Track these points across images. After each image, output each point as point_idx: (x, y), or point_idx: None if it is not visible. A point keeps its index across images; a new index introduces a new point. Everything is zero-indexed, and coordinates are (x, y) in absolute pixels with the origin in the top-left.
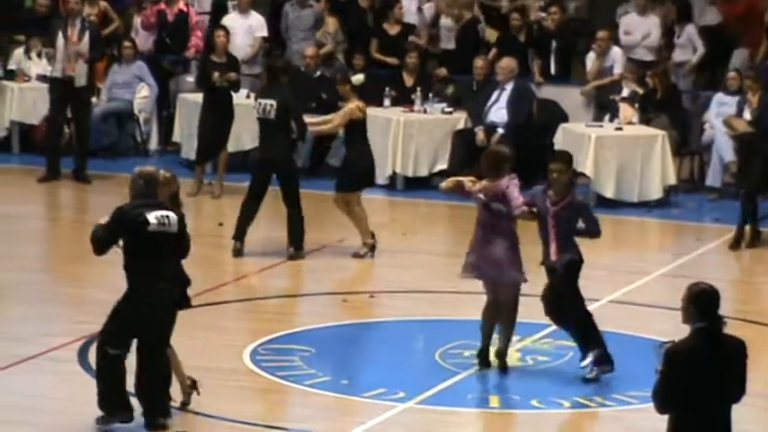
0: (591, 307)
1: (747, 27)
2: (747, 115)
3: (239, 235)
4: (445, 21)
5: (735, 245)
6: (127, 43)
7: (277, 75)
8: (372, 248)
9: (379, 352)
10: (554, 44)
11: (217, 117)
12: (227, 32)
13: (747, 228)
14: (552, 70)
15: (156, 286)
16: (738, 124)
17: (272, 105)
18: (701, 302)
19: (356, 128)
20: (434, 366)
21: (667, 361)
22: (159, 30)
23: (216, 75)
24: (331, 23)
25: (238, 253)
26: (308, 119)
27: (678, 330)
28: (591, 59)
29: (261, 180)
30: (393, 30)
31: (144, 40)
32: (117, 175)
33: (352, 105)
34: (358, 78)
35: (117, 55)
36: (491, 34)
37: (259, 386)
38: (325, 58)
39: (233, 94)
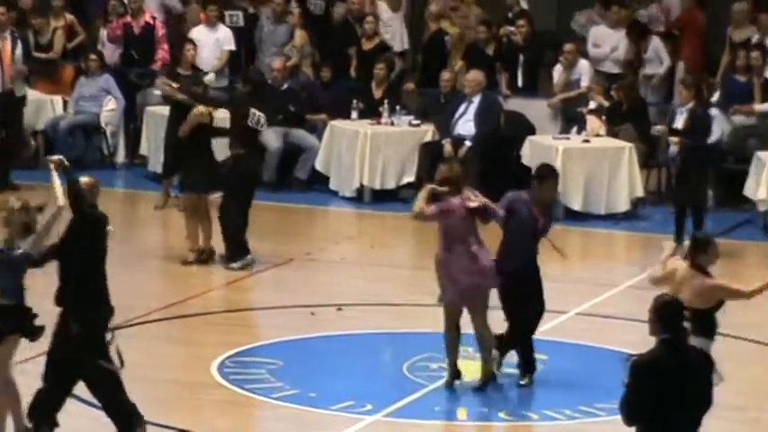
0: (558, 319)
1: (685, 41)
2: (679, 124)
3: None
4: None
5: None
6: (93, 56)
7: (257, 86)
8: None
9: (346, 364)
10: (521, 57)
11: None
12: (195, 45)
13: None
14: (520, 83)
15: None
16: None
17: (262, 117)
18: (665, 314)
19: (197, 131)
20: (402, 379)
21: (632, 373)
22: (125, 42)
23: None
24: (299, 37)
25: (253, 261)
26: None
27: (646, 342)
28: (558, 72)
29: (253, 191)
30: (368, 45)
31: (110, 53)
32: None
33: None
34: (210, 79)
35: (84, 68)
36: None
37: (227, 399)
38: (290, 71)
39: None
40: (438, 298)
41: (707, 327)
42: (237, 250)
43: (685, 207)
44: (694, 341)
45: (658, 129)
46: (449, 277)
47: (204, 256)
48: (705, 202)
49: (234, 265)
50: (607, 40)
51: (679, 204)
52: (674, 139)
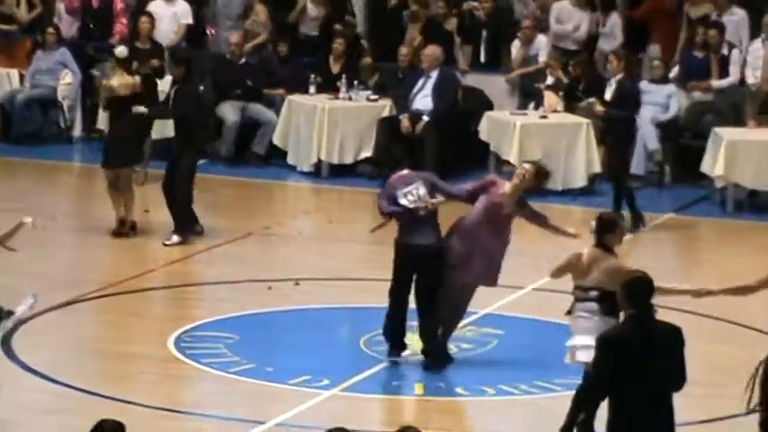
0: (515, 295)
1: (656, 25)
2: (607, 96)
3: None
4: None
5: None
6: (50, 30)
7: (189, 64)
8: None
9: (303, 339)
10: (484, 33)
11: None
12: (152, 19)
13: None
14: (482, 58)
15: None
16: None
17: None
18: (633, 290)
19: (117, 105)
20: (359, 354)
21: (598, 346)
22: (83, 15)
23: (135, 63)
24: (261, 12)
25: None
26: None
27: None
28: (516, 47)
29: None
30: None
31: (68, 27)
32: (40, 162)
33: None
34: (121, 51)
35: (40, 41)
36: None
37: (184, 373)
38: (258, 47)
39: (158, 81)
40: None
41: (611, 305)
42: (187, 224)
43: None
44: (602, 322)
45: (590, 101)
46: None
47: (125, 229)
48: (626, 175)
49: (174, 239)
50: (570, 18)
51: (612, 176)
52: (599, 108)
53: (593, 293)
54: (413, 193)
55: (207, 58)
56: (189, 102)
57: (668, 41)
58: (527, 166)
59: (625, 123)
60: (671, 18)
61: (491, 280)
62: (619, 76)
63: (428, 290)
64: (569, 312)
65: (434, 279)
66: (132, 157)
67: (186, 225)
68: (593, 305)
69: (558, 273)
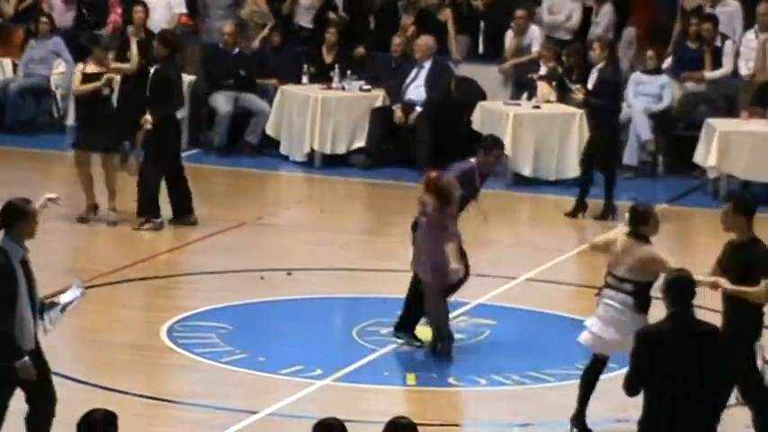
0: (508, 285)
1: (635, 7)
2: (590, 84)
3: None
4: None
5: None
6: (43, 19)
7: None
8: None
9: (296, 329)
10: (482, 23)
11: (135, 93)
12: (146, 8)
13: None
14: (480, 49)
15: None
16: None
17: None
18: (675, 288)
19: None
20: (351, 344)
21: (636, 341)
22: (78, 4)
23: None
24: (261, 1)
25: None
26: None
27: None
28: (509, 38)
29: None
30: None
31: (61, 15)
32: (33, 152)
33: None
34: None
35: (33, 30)
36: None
37: (176, 363)
38: (266, 38)
39: (150, 69)
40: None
41: (644, 301)
42: (153, 211)
43: (591, 168)
44: (634, 318)
45: (574, 87)
46: None
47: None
48: (614, 166)
49: (145, 225)
50: (562, 8)
51: (586, 167)
52: (579, 96)
53: (628, 286)
54: None
55: (199, 47)
56: (166, 86)
57: (644, 27)
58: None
59: (606, 112)
60: (649, 6)
61: (434, 279)
62: (601, 65)
63: None
64: (598, 294)
65: None
66: (104, 142)
67: (150, 211)
68: (629, 298)
69: (593, 247)
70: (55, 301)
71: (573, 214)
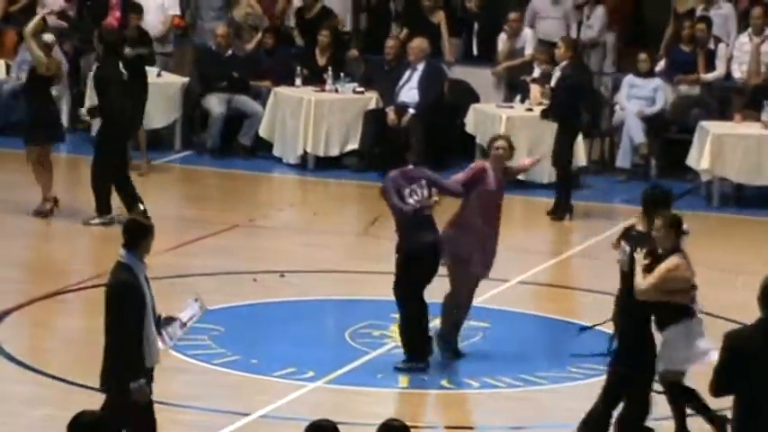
0: (500, 287)
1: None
2: (553, 82)
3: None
4: None
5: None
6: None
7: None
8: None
9: (289, 331)
10: (476, 25)
11: (132, 94)
12: (140, 14)
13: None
14: (474, 51)
15: None
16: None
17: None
18: (764, 295)
19: (39, 83)
20: (344, 346)
21: (723, 344)
22: (80, 5)
23: (127, 50)
24: (255, 3)
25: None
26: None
27: (586, 310)
28: (502, 40)
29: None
30: (309, 13)
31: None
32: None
33: (44, 61)
34: (49, 37)
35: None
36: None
37: (168, 365)
38: (260, 42)
39: (146, 72)
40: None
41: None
42: (105, 206)
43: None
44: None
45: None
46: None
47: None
48: (568, 164)
49: (95, 221)
50: (548, 14)
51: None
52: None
53: None
54: (417, 193)
55: (191, 49)
56: (106, 84)
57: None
58: (500, 142)
59: (567, 110)
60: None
61: (487, 271)
62: (563, 63)
63: (426, 286)
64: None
65: (433, 275)
66: (57, 134)
67: (102, 208)
68: None
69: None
70: (173, 316)
71: (556, 215)
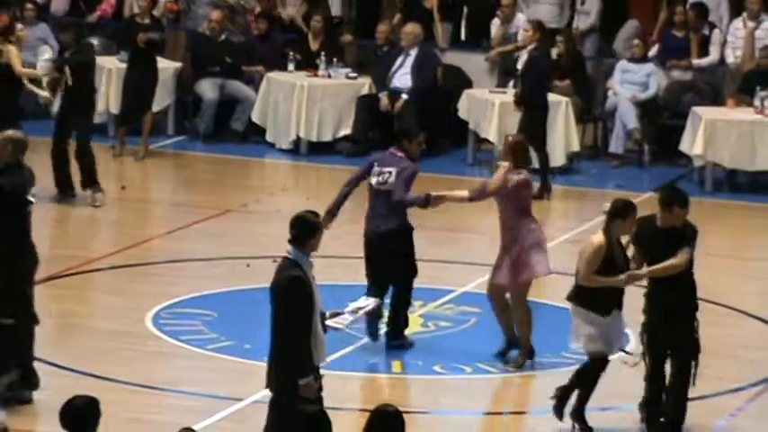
0: None
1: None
2: (519, 65)
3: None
4: None
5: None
6: (29, 5)
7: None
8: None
9: None
10: (465, 10)
11: (141, 78)
12: None
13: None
14: (463, 36)
15: None
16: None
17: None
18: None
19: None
20: (337, 332)
21: None
22: None
23: (140, 35)
24: None
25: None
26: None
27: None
28: (495, 26)
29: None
30: None
31: (59, 1)
32: None
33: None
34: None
35: (20, 17)
36: None
37: (162, 350)
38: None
39: (156, 58)
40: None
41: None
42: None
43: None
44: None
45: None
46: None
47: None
48: (542, 142)
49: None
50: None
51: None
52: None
53: None
54: (384, 176)
55: (184, 34)
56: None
57: (648, 18)
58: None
59: (533, 94)
60: None
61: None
62: (531, 47)
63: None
64: None
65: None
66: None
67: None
68: None
69: None
70: (339, 311)
71: (538, 197)
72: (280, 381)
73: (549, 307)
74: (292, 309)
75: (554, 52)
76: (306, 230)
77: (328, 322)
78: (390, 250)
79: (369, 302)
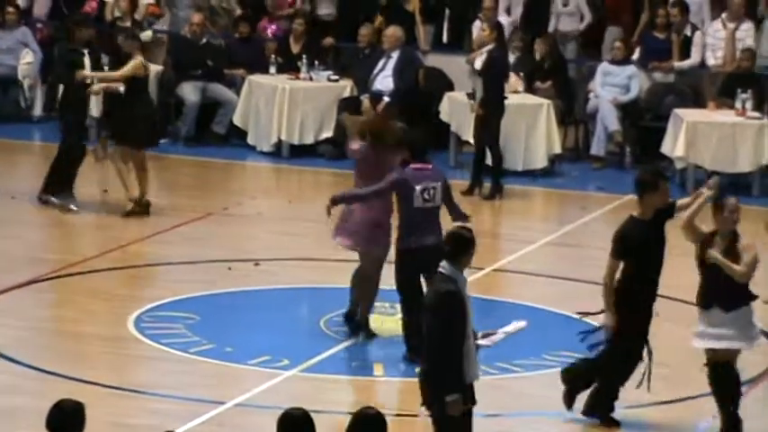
0: (476, 275)
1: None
2: (477, 65)
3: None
4: None
5: (468, 192)
6: (10, 9)
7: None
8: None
9: (263, 319)
10: (447, 12)
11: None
12: None
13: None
14: (444, 39)
15: None
16: None
17: None
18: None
19: (137, 85)
20: (319, 334)
21: None
22: None
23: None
24: None
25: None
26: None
27: (562, 298)
28: (477, 28)
29: None
30: None
31: (42, 5)
32: (0, 141)
33: (137, 61)
34: (147, 35)
35: (0, 20)
36: None
37: (143, 354)
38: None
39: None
40: None
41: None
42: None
43: (483, 148)
44: None
45: (471, 103)
46: None
47: (140, 208)
48: (497, 140)
49: (54, 199)
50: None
51: (478, 143)
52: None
53: None
54: (429, 193)
55: (166, 37)
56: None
57: (626, 20)
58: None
59: (492, 93)
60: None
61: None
62: (489, 47)
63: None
64: None
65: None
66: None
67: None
68: None
69: None
70: (491, 332)
71: (469, 192)
72: (433, 396)
73: (530, 309)
74: (444, 324)
75: (537, 54)
76: (461, 247)
77: (480, 341)
78: None
79: (520, 324)
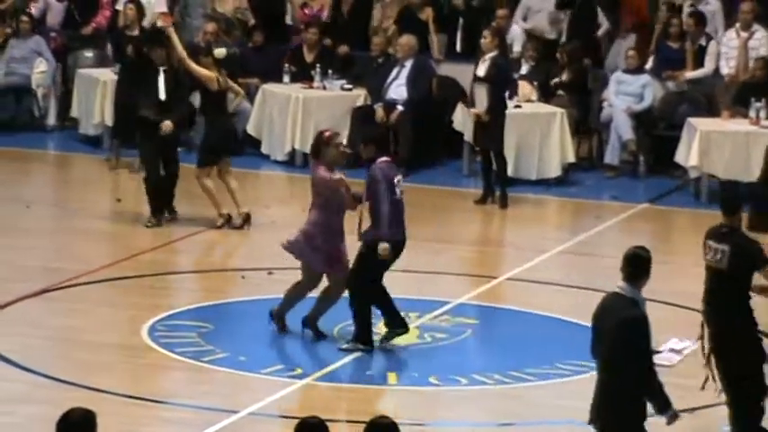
0: (489, 284)
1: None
2: (480, 72)
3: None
4: None
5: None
6: (24, 18)
7: None
8: (228, 220)
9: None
10: (461, 21)
11: (132, 91)
12: (138, 5)
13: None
14: (458, 48)
15: None
16: None
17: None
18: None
19: (212, 100)
20: (333, 343)
21: None
22: (69, 4)
23: (129, 48)
24: None
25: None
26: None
27: (575, 307)
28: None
29: None
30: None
31: (56, 14)
32: (13, 150)
33: (211, 74)
34: (220, 52)
35: (14, 29)
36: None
37: (157, 363)
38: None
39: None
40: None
41: None
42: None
43: (489, 153)
44: None
45: (472, 110)
46: None
47: (238, 222)
48: (502, 146)
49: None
50: (541, 9)
51: (484, 151)
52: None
53: None
54: (400, 184)
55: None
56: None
57: (641, 29)
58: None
59: (497, 100)
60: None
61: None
62: (492, 53)
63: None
64: None
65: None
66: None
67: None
68: None
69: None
70: (657, 350)
71: (482, 201)
72: (625, 420)
73: (543, 318)
74: (642, 348)
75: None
76: (642, 267)
77: (657, 360)
78: None
79: (686, 344)
